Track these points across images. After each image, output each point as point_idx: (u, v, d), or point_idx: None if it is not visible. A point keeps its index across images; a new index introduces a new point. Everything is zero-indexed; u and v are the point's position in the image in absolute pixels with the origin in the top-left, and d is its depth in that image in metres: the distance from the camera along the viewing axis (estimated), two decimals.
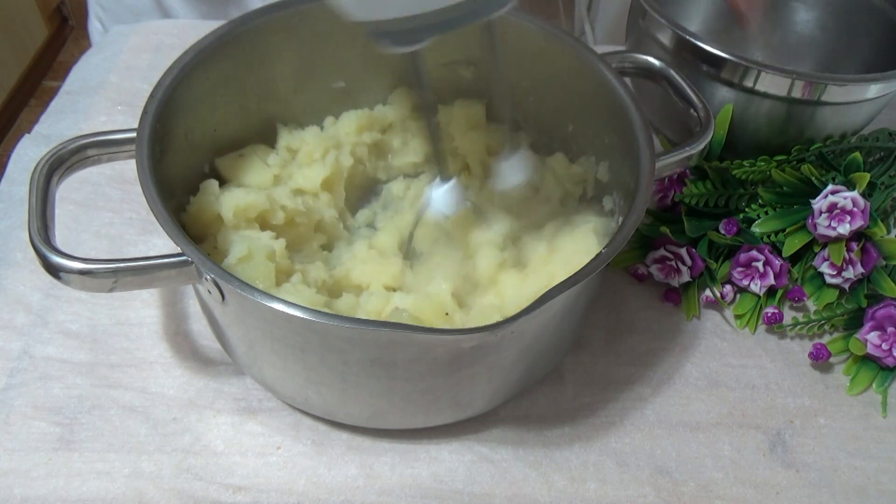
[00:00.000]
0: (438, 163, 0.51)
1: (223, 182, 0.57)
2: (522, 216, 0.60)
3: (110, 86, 0.75)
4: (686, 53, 0.62)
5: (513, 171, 0.53)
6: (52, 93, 0.76)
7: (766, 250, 0.60)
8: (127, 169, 0.55)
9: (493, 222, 0.55)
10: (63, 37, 2.19)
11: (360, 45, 0.60)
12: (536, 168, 0.54)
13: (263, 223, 0.54)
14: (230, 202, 0.53)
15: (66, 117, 0.72)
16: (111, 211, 0.65)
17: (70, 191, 0.64)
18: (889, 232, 0.63)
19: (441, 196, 0.52)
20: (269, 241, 0.51)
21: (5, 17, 1.88)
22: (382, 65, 0.62)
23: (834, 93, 0.59)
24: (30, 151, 0.68)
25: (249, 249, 0.49)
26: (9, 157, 0.68)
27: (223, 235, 0.52)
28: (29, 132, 0.70)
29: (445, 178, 0.52)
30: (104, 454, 0.51)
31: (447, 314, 0.50)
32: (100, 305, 0.58)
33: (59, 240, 0.44)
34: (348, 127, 0.61)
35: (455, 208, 0.53)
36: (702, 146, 0.51)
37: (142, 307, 0.58)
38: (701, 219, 0.62)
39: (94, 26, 0.92)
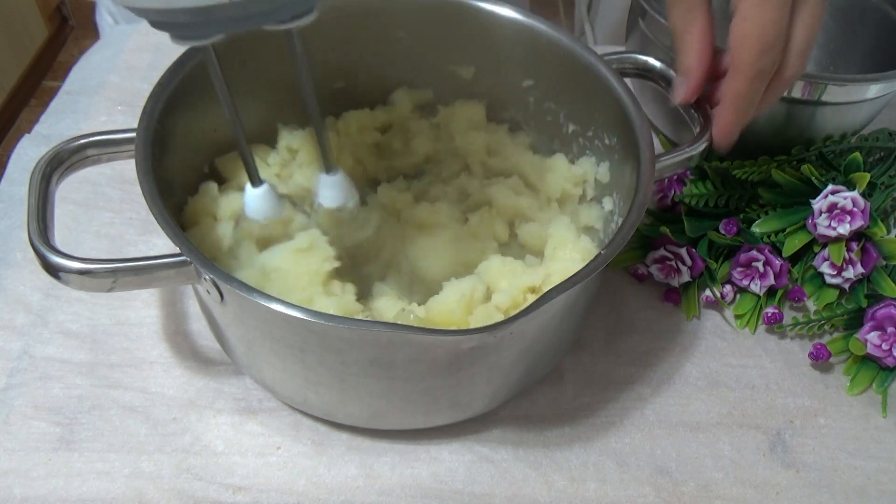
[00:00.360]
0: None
1: (223, 181, 0.57)
2: (521, 216, 0.60)
3: (110, 86, 0.75)
4: None
5: (333, 192, 0.50)
6: (52, 93, 0.76)
7: (766, 250, 0.60)
8: (127, 169, 0.55)
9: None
10: (63, 37, 2.19)
11: (360, 45, 0.60)
12: (353, 193, 0.51)
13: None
14: (228, 206, 0.53)
15: (66, 117, 0.72)
16: (111, 211, 0.65)
17: (70, 191, 0.64)
18: (889, 232, 0.63)
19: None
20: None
21: (5, 17, 1.88)
22: (382, 65, 0.62)
23: (834, 93, 0.59)
24: (30, 151, 0.68)
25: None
26: (9, 157, 0.68)
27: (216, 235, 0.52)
28: (29, 132, 0.70)
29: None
30: (104, 454, 0.51)
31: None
32: (100, 305, 0.58)
33: (59, 240, 0.44)
34: (348, 127, 0.61)
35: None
36: (702, 147, 0.51)
37: (142, 307, 0.58)
38: (701, 219, 0.62)
39: (104, 20, 0.92)
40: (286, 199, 0.53)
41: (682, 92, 0.51)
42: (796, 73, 0.49)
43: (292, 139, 0.60)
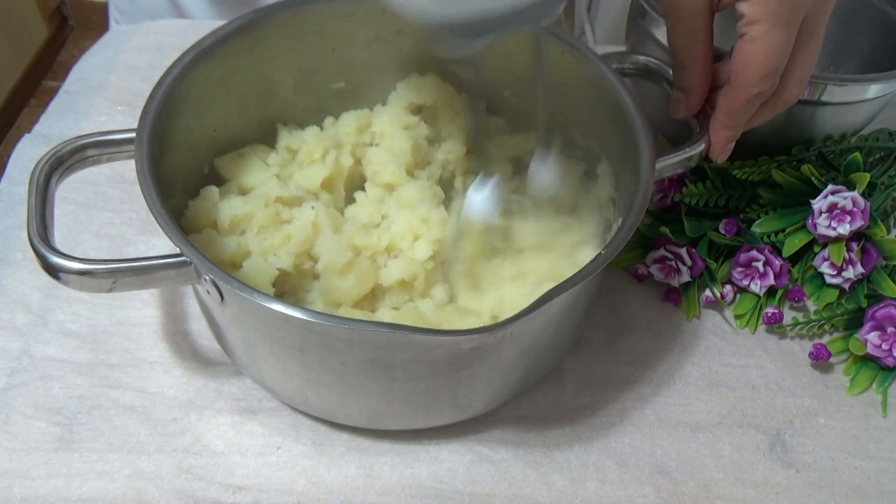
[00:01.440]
0: (481, 159, 0.50)
1: (223, 182, 0.57)
2: (520, 216, 0.60)
3: (110, 86, 0.75)
4: None
5: (545, 175, 0.52)
6: (52, 93, 0.76)
7: (766, 250, 0.60)
8: (127, 169, 0.55)
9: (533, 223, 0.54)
10: (63, 37, 2.19)
11: (360, 45, 0.60)
12: (566, 173, 0.53)
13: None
14: (228, 211, 0.53)
15: (66, 117, 0.72)
16: (111, 211, 0.65)
17: (70, 191, 0.64)
18: (889, 232, 0.63)
19: (481, 198, 0.50)
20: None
21: (5, 17, 1.88)
22: (383, 65, 0.62)
23: (834, 93, 0.59)
24: (30, 151, 0.68)
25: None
26: (9, 156, 0.68)
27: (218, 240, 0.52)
28: (29, 132, 0.70)
29: (487, 177, 0.50)
30: (104, 454, 0.51)
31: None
32: (100, 305, 0.58)
33: (59, 240, 0.44)
34: (348, 127, 0.61)
35: (495, 211, 0.51)
36: (702, 147, 0.52)
37: (142, 307, 0.58)
38: (701, 219, 0.62)
39: (114, 26, 0.92)
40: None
41: (683, 109, 0.52)
42: (792, 100, 0.51)
43: (292, 139, 0.60)
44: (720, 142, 0.51)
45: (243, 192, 0.57)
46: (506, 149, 0.61)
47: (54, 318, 0.57)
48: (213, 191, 0.54)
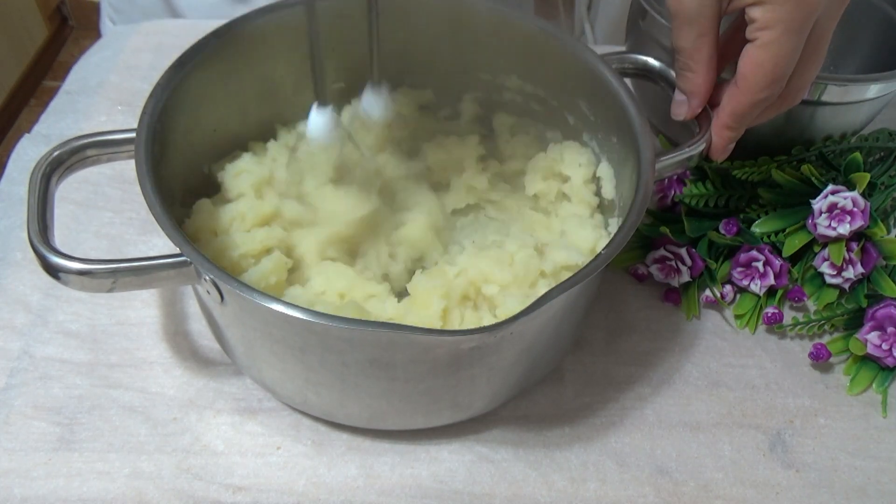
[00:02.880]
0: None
1: (221, 186, 0.57)
2: (519, 217, 0.60)
3: (110, 86, 0.75)
4: None
5: (376, 104, 0.55)
6: (52, 93, 0.76)
7: (766, 250, 0.60)
8: (127, 169, 0.55)
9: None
10: (63, 37, 2.19)
11: (360, 45, 0.60)
12: (390, 104, 0.56)
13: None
14: (228, 215, 0.53)
15: (66, 117, 0.72)
16: (111, 211, 0.65)
17: (70, 191, 0.64)
18: (889, 232, 0.63)
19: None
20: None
21: (5, 17, 1.88)
22: (383, 66, 0.61)
23: (834, 93, 0.59)
24: (30, 151, 0.68)
25: None
26: (9, 156, 0.68)
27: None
28: (29, 132, 0.70)
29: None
30: (104, 454, 0.51)
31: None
32: (100, 305, 0.58)
33: (59, 240, 0.44)
34: (348, 127, 0.61)
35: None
36: (702, 147, 0.51)
37: (142, 307, 0.58)
38: (701, 219, 0.62)
39: (106, 25, 0.92)
40: (344, 130, 0.55)
41: (685, 111, 0.52)
42: (793, 104, 0.51)
43: (290, 139, 0.60)
44: (722, 142, 0.52)
45: (240, 195, 0.56)
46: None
47: (54, 318, 0.57)
48: (207, 203, 0.54)
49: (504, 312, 0.49)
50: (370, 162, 0.58)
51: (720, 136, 0.51)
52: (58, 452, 0.51)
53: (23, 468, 0.50)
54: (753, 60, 0.47)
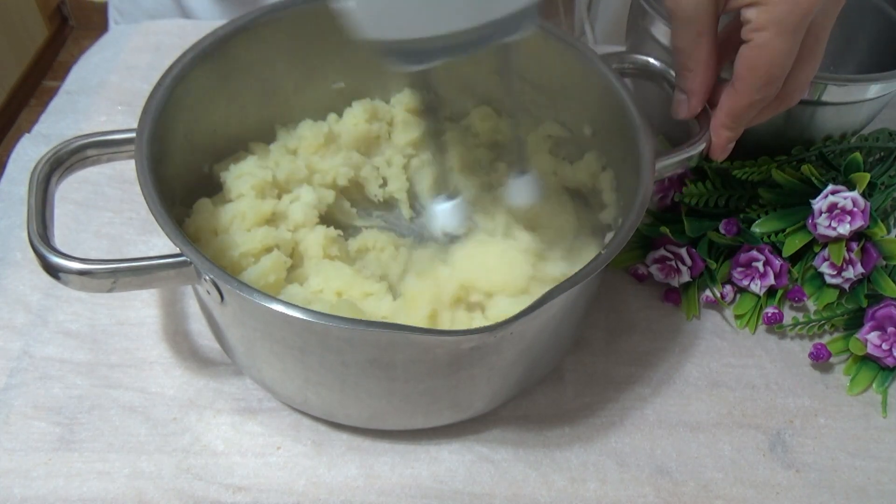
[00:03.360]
0: (441, 176, 0.51)
1: (221, 186, 0.57)
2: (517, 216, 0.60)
3: (110, 86, 0.75)
4: None
5: (521, 192, 0.52)
6: (52, 93, 0.76)
7: (766, 250, 0.60)
8: (127, 169, 0.55)
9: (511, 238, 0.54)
10: (63, 37, 2.19)
11: (360, 45, 0.60)
12: (542, 192, 0.53)
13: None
14: (228, 214, 0.53)
15: (66, 117, 0.72)
16: (111, 211, 0.65)
17: (70, 191, 0.64)
18: (889, 232, 0.63)
19: (445, 213, 0.50)
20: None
21: (5, 17, 1.88)
22: (383, 67, 0.61)
23: (834, 93, 0.59)
24: (29, 151, 0.68)
25: None
26: (9, 156, 0.68)
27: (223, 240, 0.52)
28: (29, 132, 0.70)
29: (450, 194, 0.50)
30: (104, 454, 0.51)
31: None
32: (100, 305, 0.58)
33: (59, 240, 0.44)
34: (355, 119, 0.61)
35: (460, 226, 0.51)
36: (702, 147, 0.52)
37: (142, 307, 0.58)
38: (701, 219, 0.62)
39: (112, 21, 0.92)
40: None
41: (684, 111, 0.52)
42: (791, 104, 0.51)
43: (289, 139, 0.60)
44: (721, 142, 0.52)
45: (240, 195, 0.56)
46: (486, 133, 0.62)
47: (54, 318, 0.57)
48: (206, 202, 0.54)
49: (496, 314, 0.49)
50: None
51: (718, 136, 0.51)
52: (58, 452, 0.51)
53: (23, 468, 0.50)
54: (748, 61, 0.47)
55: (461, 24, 0.38)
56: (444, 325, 0.49)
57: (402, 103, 0.63)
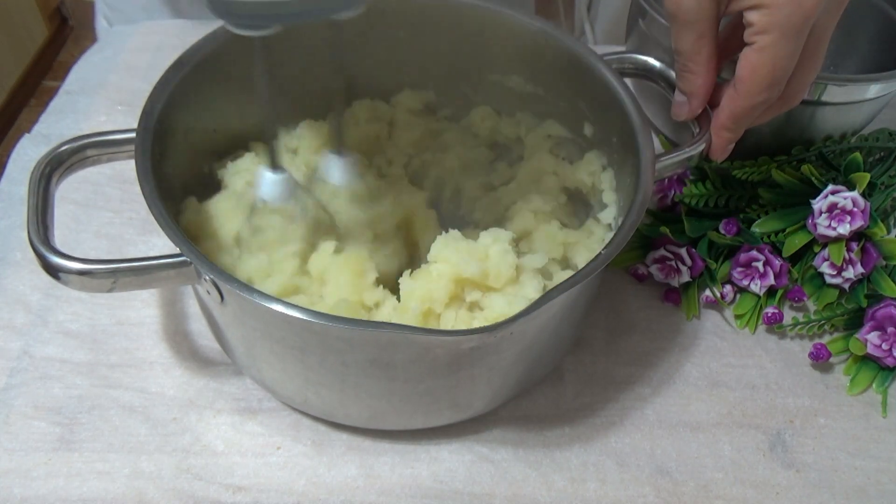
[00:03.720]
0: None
1: (222, 186, 0.57)
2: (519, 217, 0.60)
3: (110, 86, 0.75)
4: None
5: (335, 172, 0.53)
6: (52, 93, 0.76)
7: (766, 250, 0.60)
8: (127, 169, 0.54)
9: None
10: (63, 37, 2.19)
11: (361, 46, 0.60)
12: (360, 175, 0.54)
13: None
14: (229, 216, 0.53)
15: (65, 117, 0.72)
16: (111, 211, 0.65)
17: (70, 191, 0.64)
18: (889, 232, 0.63)
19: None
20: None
21: (5, 17, 1.88)
22: (383, 67, 0.62)
23: (834, 93, 0.59)
24: (29, 151, 0.68)
25: None
26: (9, 156, 0.68)
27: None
28: (29, 132, 0.70)
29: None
30: (104, 454, 0.51)
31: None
32: (100, 305, 0.58)
33: (59, 240, 0.44)
34: (356, 117, 0.61)
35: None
36: (702, 147, 0.52)
37: (142, 307, 0.58)
38: (701, 219, 0.62)
39: (101, 25, 0.92)
40: (300, 187, 0.54)
41: (685, 112, 0.52)
42: (792, 105, 0.51)
43: (290, 139, 0.60)
44: (721, 143, 0.52)
45: (240, 196, 0.56)
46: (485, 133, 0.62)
47: (54, 318, 0.57)
48: (192, 201, 0.54)
49: (496, 314, 0.49)
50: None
51: (719, 137, 0.51)
52: (58, 452, 0.51)
53: (23, 468, 0.50)
54: (751, 64, 0.47)
55: None
56: (444, 325, 0.49)
57: (402, 103, 0.63)
